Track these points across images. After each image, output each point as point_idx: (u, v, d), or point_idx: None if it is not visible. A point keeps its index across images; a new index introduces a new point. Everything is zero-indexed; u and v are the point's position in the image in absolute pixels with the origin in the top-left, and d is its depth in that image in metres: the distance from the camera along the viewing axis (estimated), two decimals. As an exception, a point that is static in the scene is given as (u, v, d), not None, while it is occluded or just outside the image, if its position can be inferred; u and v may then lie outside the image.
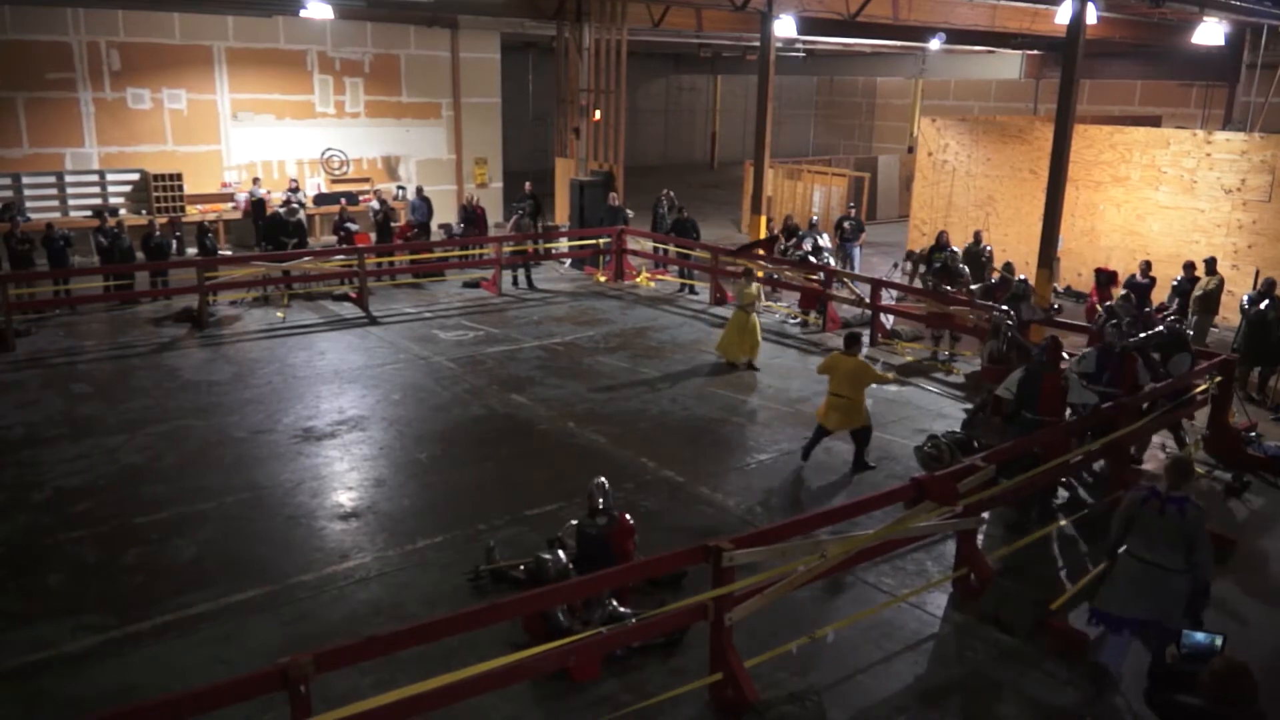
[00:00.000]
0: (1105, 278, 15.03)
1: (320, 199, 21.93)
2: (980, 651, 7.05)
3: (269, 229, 18.00)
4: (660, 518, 9.04)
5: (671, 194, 20.40)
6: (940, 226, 19.84)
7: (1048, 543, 8.72)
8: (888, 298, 15.27)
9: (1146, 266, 14.71)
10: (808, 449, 10.36)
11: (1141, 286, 14.38)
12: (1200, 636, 5.12)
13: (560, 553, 7.27)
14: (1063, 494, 9.66)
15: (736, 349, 13.60)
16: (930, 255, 16.27)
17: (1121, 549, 6.49)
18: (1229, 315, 14.75)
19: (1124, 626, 6.43)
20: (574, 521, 7.62)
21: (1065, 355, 9.54)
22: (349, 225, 18.34)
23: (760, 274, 17.45)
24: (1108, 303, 12.55)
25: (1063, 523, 9.06)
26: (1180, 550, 6.22)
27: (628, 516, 7.59)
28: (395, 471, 10.05)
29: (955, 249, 16.17)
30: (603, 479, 7.56)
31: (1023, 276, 13.65)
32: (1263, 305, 12.53)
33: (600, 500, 7.41)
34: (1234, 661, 4.69)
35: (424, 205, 19.99)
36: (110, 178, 20.10)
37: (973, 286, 15.17)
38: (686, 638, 6.84)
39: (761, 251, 16.71)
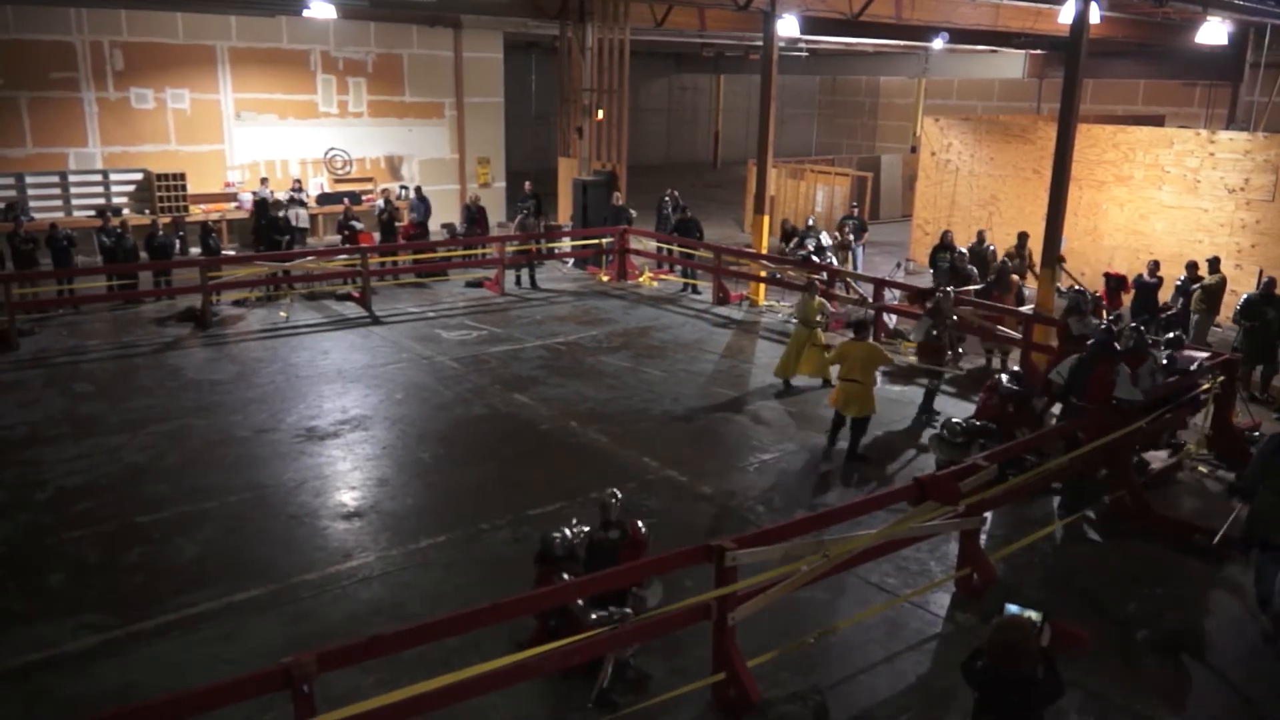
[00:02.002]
0: (1115, 283, 14.95)
1: (323, 199, 21.94)
2: (983, 651, 7.02)
3: (265, 228, 18.05)
4: (663, 517, 9.02)
5: (676, 193, 20.40)
6: (943, 226, 19.82)
7: (1050, 542, 8.71)
8: (890, 298, 15.25)
9: (1155, 266, 14.66)
10: (831, 439, 10.66)
11: (1149, 286, 14.35)
12: (1014, 608, 4.93)
13: (568, 531, 7.19)
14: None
15: (792, 366, 12.65)
16: (934, 255, 16.25)
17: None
18: (1228, 315, 14.70)
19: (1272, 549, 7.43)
20: (585, 529, 7.52)
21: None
22: (354, 224, 18.37)
23: (762, 274, 17.52)
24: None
25: (1066, 521, 9.07)
26: None
27: (640, 528, 7.53)
28: (398, 471, 10.06)
29: (962, 249, 16.15)
30: (615, 490, 7.52)
31: (1079, 287, 13.57)
32: (1249, 325, 12.68)
33: (614, 512, 7.38)
34: (1014, 619, 4.66)
35: (423, 205, 20.02)
36: (114, 177, 20.11)
37: (974, 285, 15.19)
38: (689, 637, 6.81)
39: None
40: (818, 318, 12.70)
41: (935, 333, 11.83)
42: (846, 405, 10.36)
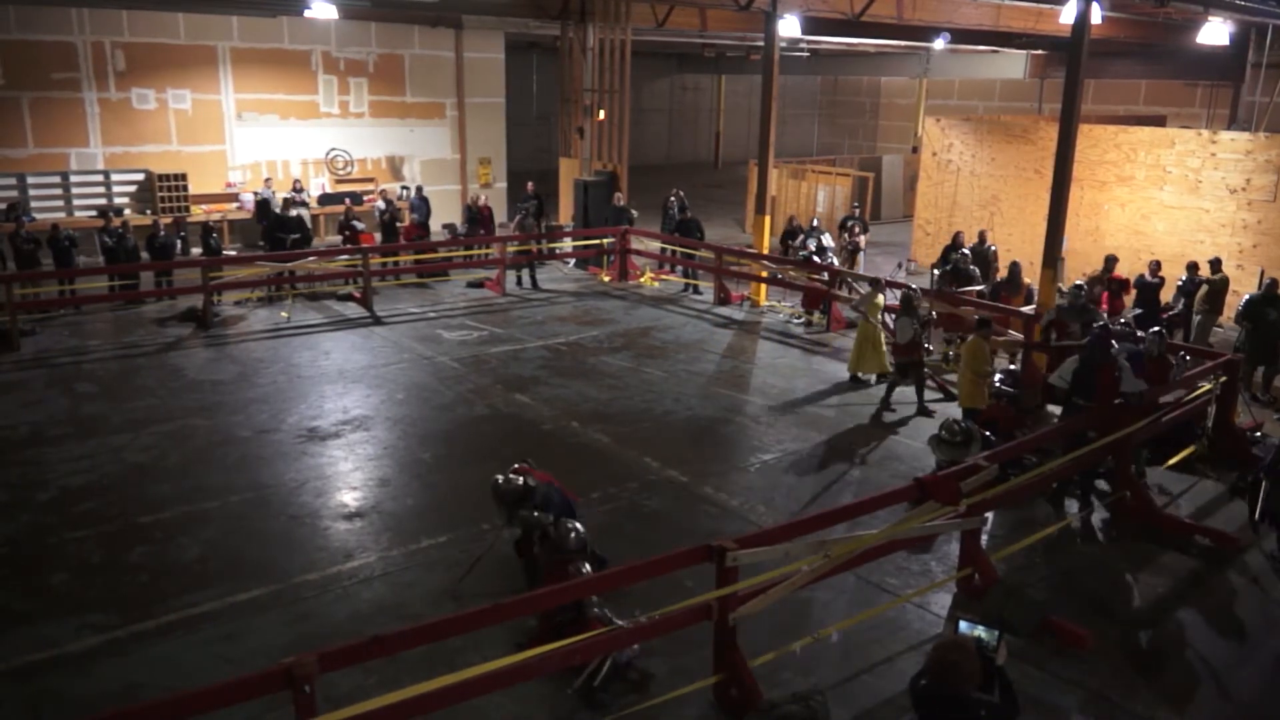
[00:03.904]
0: (1117, 285, 14.93)
1: (325, 199, 21.96)
2: (984, 652, 7.02)
3: (269, 227, 18.04)
4: (664, 518, 9.04)
5: (682, 193, 20.39)
6: (944, 226, 19.80)
7: (1051, 542, 8.71)
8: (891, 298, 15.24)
9: (1156, 266, 14.67)
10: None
11: (1151, 286, 14.36)
12: (965, 625, 4.80)
13: (579, 525, 7.20)
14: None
15: (865, 362, 12.99)
16: (945, 254, 16.26)
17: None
18: (1230, 315, 14.70)
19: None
20: (527, 514, 7.46)
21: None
22: (355, 224, 18.38)
23: (764, 274, 17.52)
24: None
25: (1069, 522, 9.08)
26: None
27: (528, 466, 7.82)
28: (399, 471, 10.06)
29: (967, 250, 16.14)
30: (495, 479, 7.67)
31: (1078, 282, 13.49)
32: (1250, 326, 12.77)
33: (516, 483, 7.50)
34: (957, 639, 4.57)
35: (423, 205, 20.04)
36: (115, 178, 20.11)
37: (979, 286, 15.19)
38: (691, 637, 6.81)
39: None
40: (878, 315, 12.96)
41: (917, 328, 12.08)
42: (961, 396, 10.83)
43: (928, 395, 12.19)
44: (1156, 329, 10.74)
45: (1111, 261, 15.30)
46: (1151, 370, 10.18)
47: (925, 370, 12.27)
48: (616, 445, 10.79)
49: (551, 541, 7.11)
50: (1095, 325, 11.38)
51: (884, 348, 12.96)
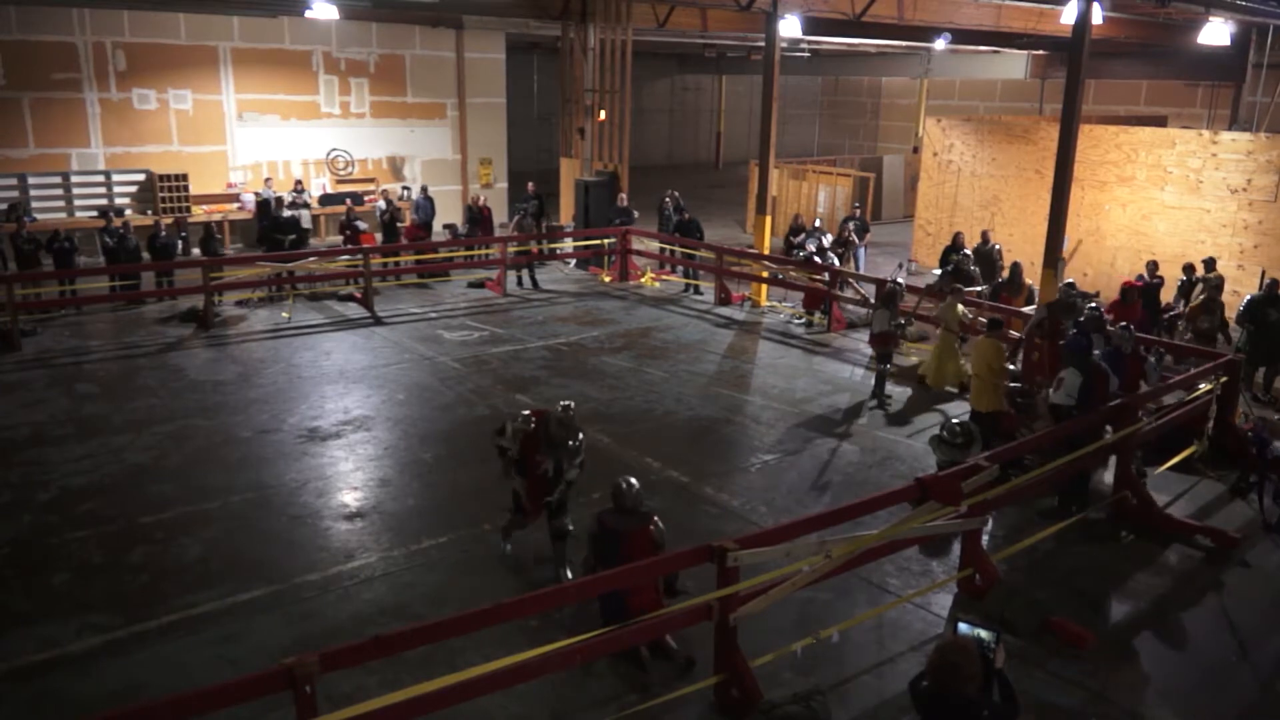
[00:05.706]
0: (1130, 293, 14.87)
1: (325, 199, 21.97)
2: (985, 652, 7.02)
3: (266, 228, 18.04)
4: (665, 518, 8.97)
5: (677, 194, 20.39)
6: (945, 227, 19.76)
7: (1053, 542, 8.71)
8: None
9: (1154, 267, 14.68)
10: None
11: (1151, 287, 14.35)
12: (965, 626, 4.76)
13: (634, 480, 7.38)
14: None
15: (943, 374, 12.63)
16: (945, 255, 16.26)
17: None
18: (1231, 315, 14.67)
19: None
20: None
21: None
22: (356, 224, 18.39)
23: (764, 274, 17.52)
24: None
25: (1069, 522, 9.07)
26: None
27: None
28: (400, 471, 10.07)
29: (968, 251, 16.13)
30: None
31: (1069, 280, 13.39)
32: (1248, 328, 12.73)
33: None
34: (958, 640, 4.54)
35: (428, 204, 20.05)
36: (116, 178, 20.13)
37: (980, 287, 15.19)
38: (692, 637, 6.82)
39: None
40: (956, 325, 12.64)
41: (900, 322, 12.22)
42: (973, 398, 10.35)
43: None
44: (1125, 324, 10.63)
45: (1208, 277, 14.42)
46: (1127, 368, 10.13)
47: (889, 367, 12.45)
48: (617, 445, 10.79)
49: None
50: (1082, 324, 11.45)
51: (961, 358, 12.54)
